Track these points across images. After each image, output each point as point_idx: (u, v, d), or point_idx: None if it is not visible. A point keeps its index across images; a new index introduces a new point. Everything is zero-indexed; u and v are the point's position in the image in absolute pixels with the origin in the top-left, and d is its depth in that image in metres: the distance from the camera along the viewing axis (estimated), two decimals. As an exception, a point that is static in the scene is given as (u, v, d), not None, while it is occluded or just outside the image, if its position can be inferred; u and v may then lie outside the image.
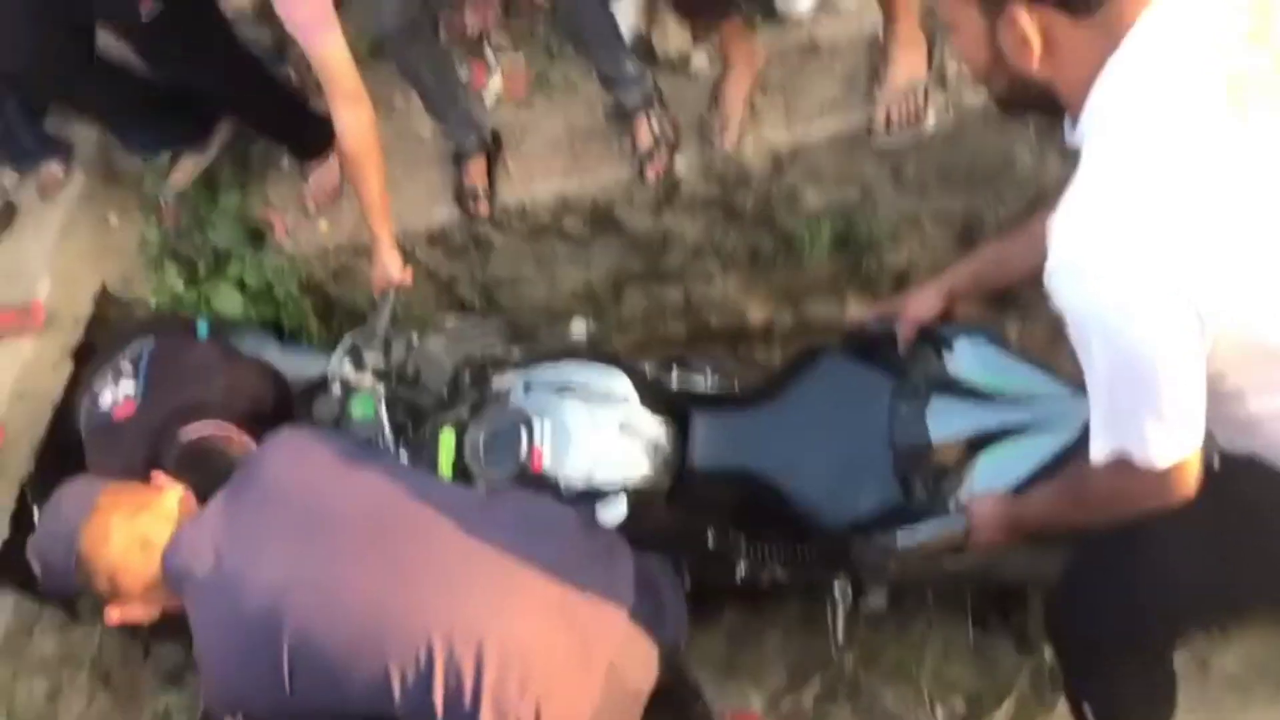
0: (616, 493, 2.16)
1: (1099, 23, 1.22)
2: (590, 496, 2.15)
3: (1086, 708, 1.88)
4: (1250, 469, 1.48)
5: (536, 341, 3.09)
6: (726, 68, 2.71)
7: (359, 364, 2.43)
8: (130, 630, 3.18)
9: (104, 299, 3.37)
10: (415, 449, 2.34)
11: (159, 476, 1.95)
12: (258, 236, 3.32)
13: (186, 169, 3.38)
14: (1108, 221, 1.22)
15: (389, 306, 2.52)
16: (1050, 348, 2.35)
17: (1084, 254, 1.23)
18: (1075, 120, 1.31)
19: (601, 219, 2.97)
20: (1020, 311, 2.85)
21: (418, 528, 1.80)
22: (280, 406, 2.64)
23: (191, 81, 3.18)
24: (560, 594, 1.77)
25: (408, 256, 2.99)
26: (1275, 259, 1.23)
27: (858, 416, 2.10)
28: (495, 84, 3.18)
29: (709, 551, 2.38)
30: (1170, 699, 1.90)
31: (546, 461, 2.15)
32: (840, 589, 2.38)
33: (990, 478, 1.91)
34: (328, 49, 2.43)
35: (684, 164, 2.80)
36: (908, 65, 2.52)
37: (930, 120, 2.55)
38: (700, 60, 2.91)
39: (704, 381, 2.54)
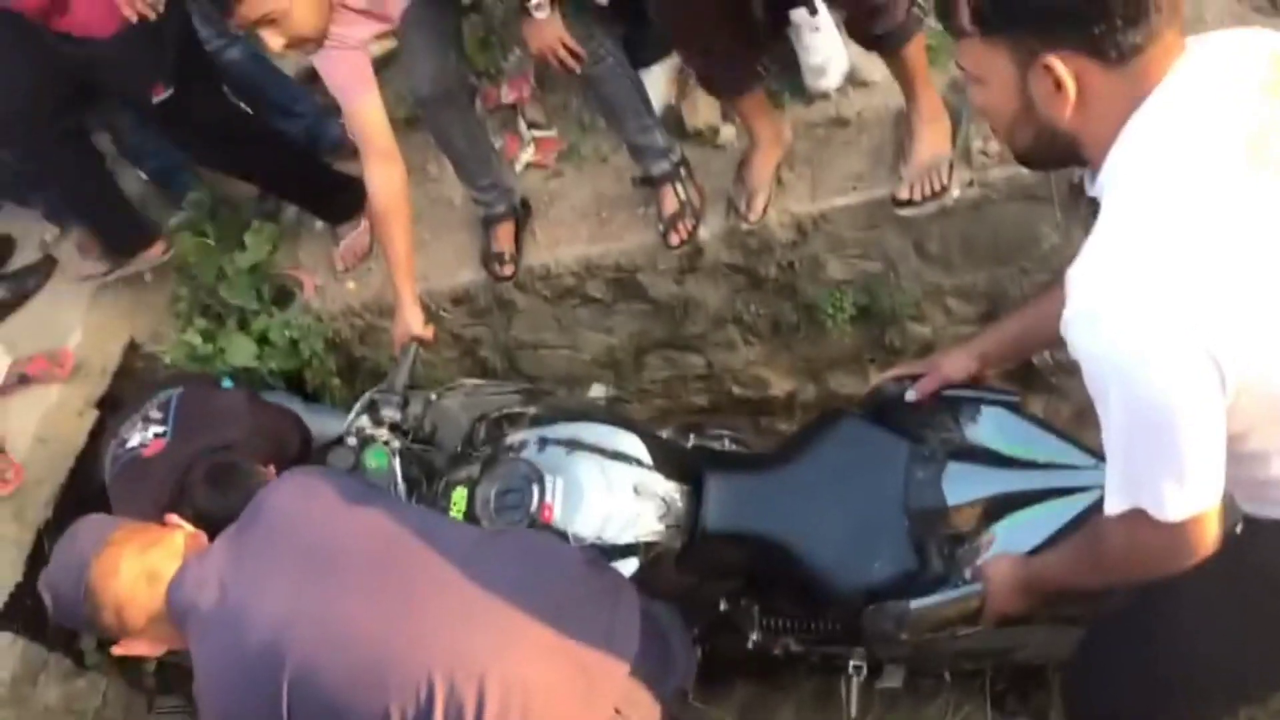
0: (625, 551, 2.13)
1: (1129, 73, 1.23)
2: (600, 553, 2.12)
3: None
4: (1274, 534, 1.44)
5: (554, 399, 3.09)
6: (753, 143, 2.74)
7: (376, 418, 2.44)
8: (135, 683, 3.16)
9: (132, 352, 3.42)
10: (428, 504, 2.33)
11: (172, 518, 1.97)
12: (286, 295, 3.35)
13: (94, 262, 3.45)
14: (1125, 270, 1.21)
15: (409, 361, 2.54)
16: (1076, 425, 2.33)
17: (1101, 302, 1.22)
18: (1096, 172, 1.31)
19: (625, 284, 2.99)
20: (1045, 389, 2.82)
21: (421, 564, 1.78)
22: (304, 450, 2.68)
23: (207, 160, 3.28)
24: (564, 631, 1.74)
25: (432, 316, 3.04)
26: None
27: (873, 480, 2.07)
28: (527, 154, 3.24)
29: (720, 618, 2.34)
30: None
31: (556, 515, 2.13)
32: (855, 665, 2.33)
33: (1009, 543, 1.87)
34: (364, 109, 2.53)
35: (707, 232, 2.83)
36: (931, 141, 2.54)
37: (955, 194, 2.56)
38: (729, 133, 2.95)
39: (720, 446, 2.52)
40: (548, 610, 1.75)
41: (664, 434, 2.53)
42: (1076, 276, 1.26)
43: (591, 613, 1.81)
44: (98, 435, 3.12)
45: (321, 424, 2.93)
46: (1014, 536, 1.88)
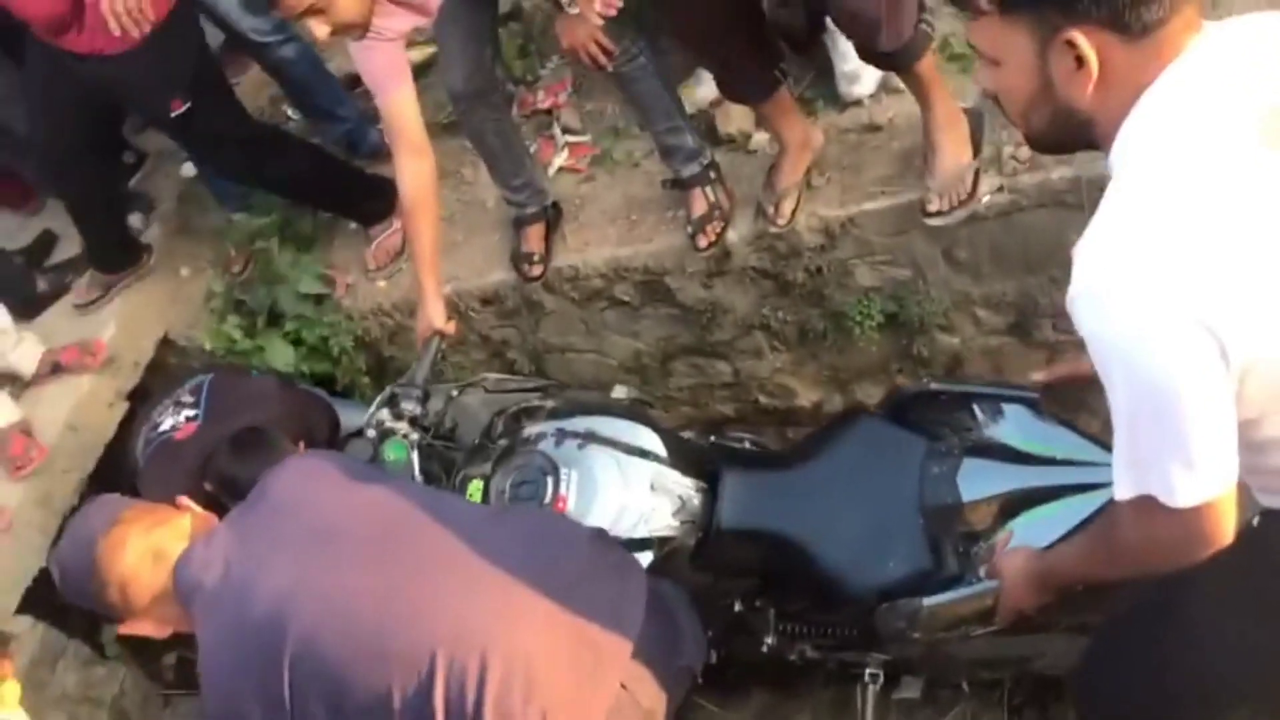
0: (639, 546, 2.11)
1: (1148, 47, 1.21)
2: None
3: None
4: (1292, 528, 1.39)
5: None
6: (781, 147, 2.74)
7: (396, 411, 2.45)
8: (154, 674, 3.18)
9: (165, 346, 3.46)
10: (444, 497, 2.33)
11: (183, 500, 1.98)
12: (319, 294, 3.38)
13: (87, 288, 3.52)
14: (1129, 248, 1.19)
15: (431, 355, 2.55)
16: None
17: (1105, 280, 1.20)
18: (1108, 152, 1.29)
19: (653, 287, 2.98)
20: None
21: (426, 538, 1.78)
22: (333, 436, 2.70)
23: (229, 172, 3.33)
24: (569, 606, 1.74)
25: (460, 315, 3.06)
26: None
27: (889, 479, 2.05)
28: (561, 158, 3.26)
29: (736, 620, 2.31)
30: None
31: (571, 508, 2.13)
32: (871, 672, 2.29)
33: (1026, 540, 1.83)
34: (398, 100, 2.56)
35: (736, 236, 2.82)
36: (953, 148, 2.51)
37: (985, 199, 2.53)
38: (761, 139, 2.95)
39: (739, 446, 2.50)
40: (553, 585, 1.74)
41: (685, 435, 2.52)
42: (1082, 252, 1.23)
43: (598, 588, 1.80)
44: (127, 426, 3.15)
45: (348, 418, 2.94)
46: (1031, 533, 1.84)
